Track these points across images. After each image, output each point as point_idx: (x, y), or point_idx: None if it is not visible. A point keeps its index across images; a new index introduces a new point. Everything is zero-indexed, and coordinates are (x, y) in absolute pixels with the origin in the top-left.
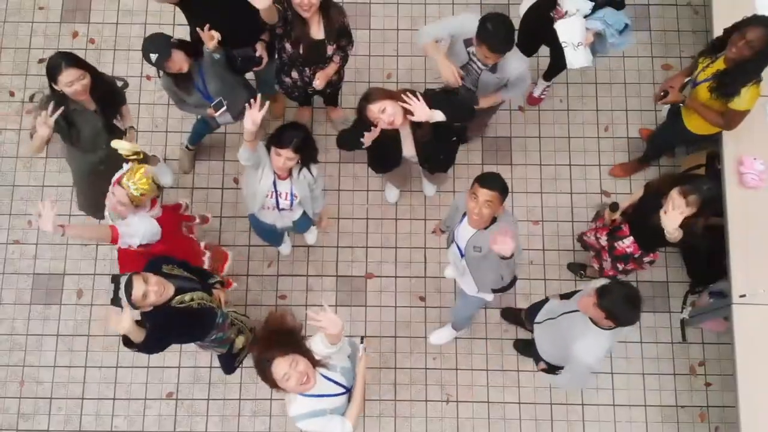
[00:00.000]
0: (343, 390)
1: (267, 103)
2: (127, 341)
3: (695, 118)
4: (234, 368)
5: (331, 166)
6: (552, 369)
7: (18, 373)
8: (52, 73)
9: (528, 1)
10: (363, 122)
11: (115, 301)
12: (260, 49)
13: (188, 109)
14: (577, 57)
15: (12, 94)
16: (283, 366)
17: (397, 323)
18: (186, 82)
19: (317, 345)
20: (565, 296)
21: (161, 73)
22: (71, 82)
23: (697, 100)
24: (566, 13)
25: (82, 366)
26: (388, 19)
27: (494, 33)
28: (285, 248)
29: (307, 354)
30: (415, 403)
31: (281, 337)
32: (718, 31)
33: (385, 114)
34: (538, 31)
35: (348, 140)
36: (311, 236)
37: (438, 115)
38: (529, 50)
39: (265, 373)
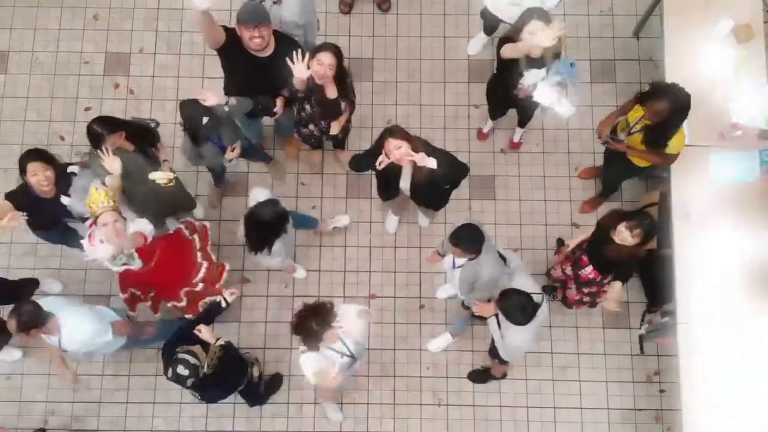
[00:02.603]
0: (350, 356)
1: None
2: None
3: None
4: (261, 397)
5: (339, 201)
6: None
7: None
8: (96, 140)
9: (476, 42)
10: (378, 148)
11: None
12: (279, 104)
13: (203, 162)
14: (564, 109)
15: (62, 138)
16: None
17: (395, 338)
18: (205, 141)
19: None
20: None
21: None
22: (112, 140)
23: (638, 146)
24: (529, 86)
25: (126, 375)
26: (388, 73)
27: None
28: (300, 273)
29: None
30: (411, 406)
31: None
32: (669, 79)
33: (398, 151)
34: (506, 102)
35: (361, 162)
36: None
37: (431, 162)
38: (499, 113)
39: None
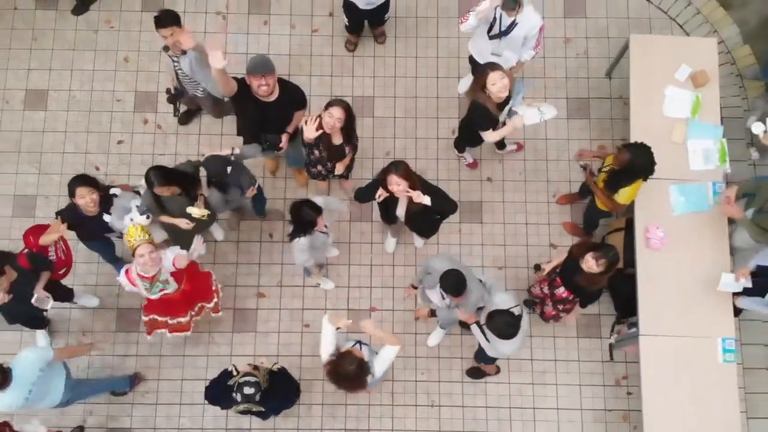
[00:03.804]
0: (356, 342)
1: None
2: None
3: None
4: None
5: (344, 224)
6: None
7: None
8: (150, 183)
9: (465, 82)
10: (381, 180)
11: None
12: (284, 140)
13: (230, 206)
14: (549, 114)
15: (97, 168)
16: None
17: None
18: (231, 187)
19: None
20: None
21: (210, 195)
22: (162, 191)
23: (599, 184)
24: (507, 117)
25: (155, 379)
26: (387, 109)
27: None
28: (328, 284)
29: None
30: (407, 407)
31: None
32: (633, 119)
33: (398, 187)
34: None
35: (364, 194)
36: (330, 284)
37: (425, 200)
38: (475, 144)
39: None
